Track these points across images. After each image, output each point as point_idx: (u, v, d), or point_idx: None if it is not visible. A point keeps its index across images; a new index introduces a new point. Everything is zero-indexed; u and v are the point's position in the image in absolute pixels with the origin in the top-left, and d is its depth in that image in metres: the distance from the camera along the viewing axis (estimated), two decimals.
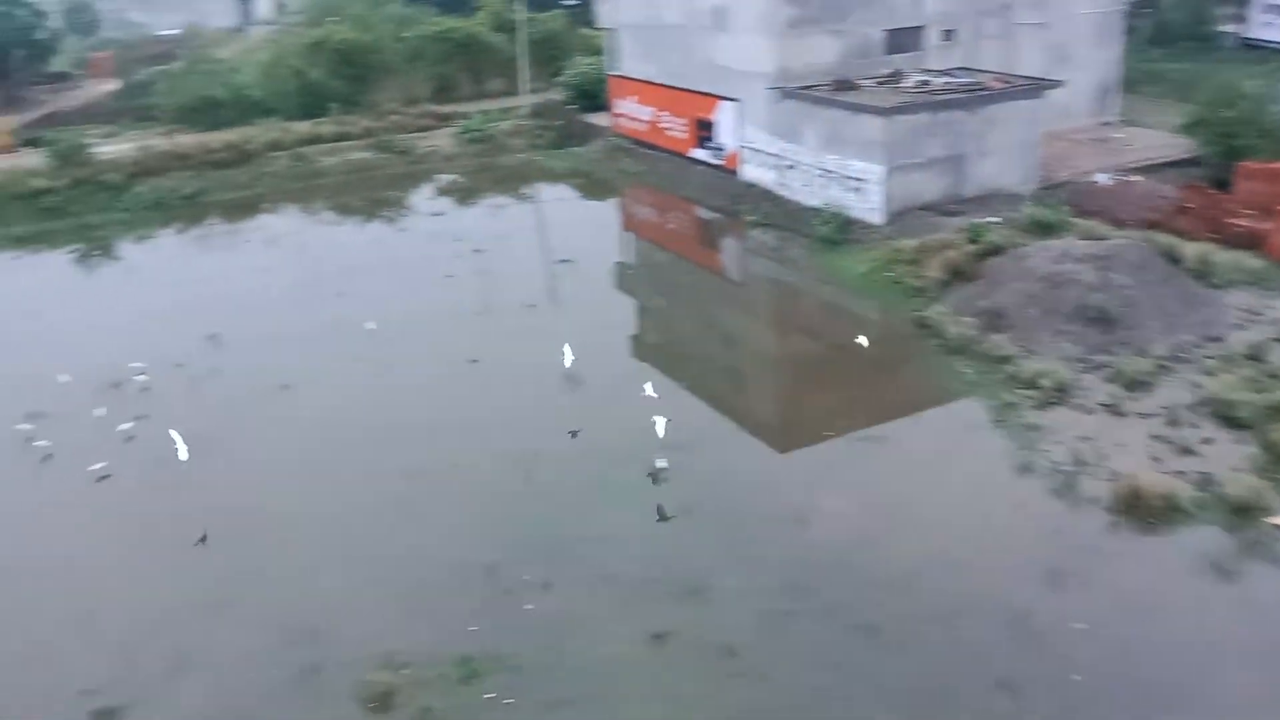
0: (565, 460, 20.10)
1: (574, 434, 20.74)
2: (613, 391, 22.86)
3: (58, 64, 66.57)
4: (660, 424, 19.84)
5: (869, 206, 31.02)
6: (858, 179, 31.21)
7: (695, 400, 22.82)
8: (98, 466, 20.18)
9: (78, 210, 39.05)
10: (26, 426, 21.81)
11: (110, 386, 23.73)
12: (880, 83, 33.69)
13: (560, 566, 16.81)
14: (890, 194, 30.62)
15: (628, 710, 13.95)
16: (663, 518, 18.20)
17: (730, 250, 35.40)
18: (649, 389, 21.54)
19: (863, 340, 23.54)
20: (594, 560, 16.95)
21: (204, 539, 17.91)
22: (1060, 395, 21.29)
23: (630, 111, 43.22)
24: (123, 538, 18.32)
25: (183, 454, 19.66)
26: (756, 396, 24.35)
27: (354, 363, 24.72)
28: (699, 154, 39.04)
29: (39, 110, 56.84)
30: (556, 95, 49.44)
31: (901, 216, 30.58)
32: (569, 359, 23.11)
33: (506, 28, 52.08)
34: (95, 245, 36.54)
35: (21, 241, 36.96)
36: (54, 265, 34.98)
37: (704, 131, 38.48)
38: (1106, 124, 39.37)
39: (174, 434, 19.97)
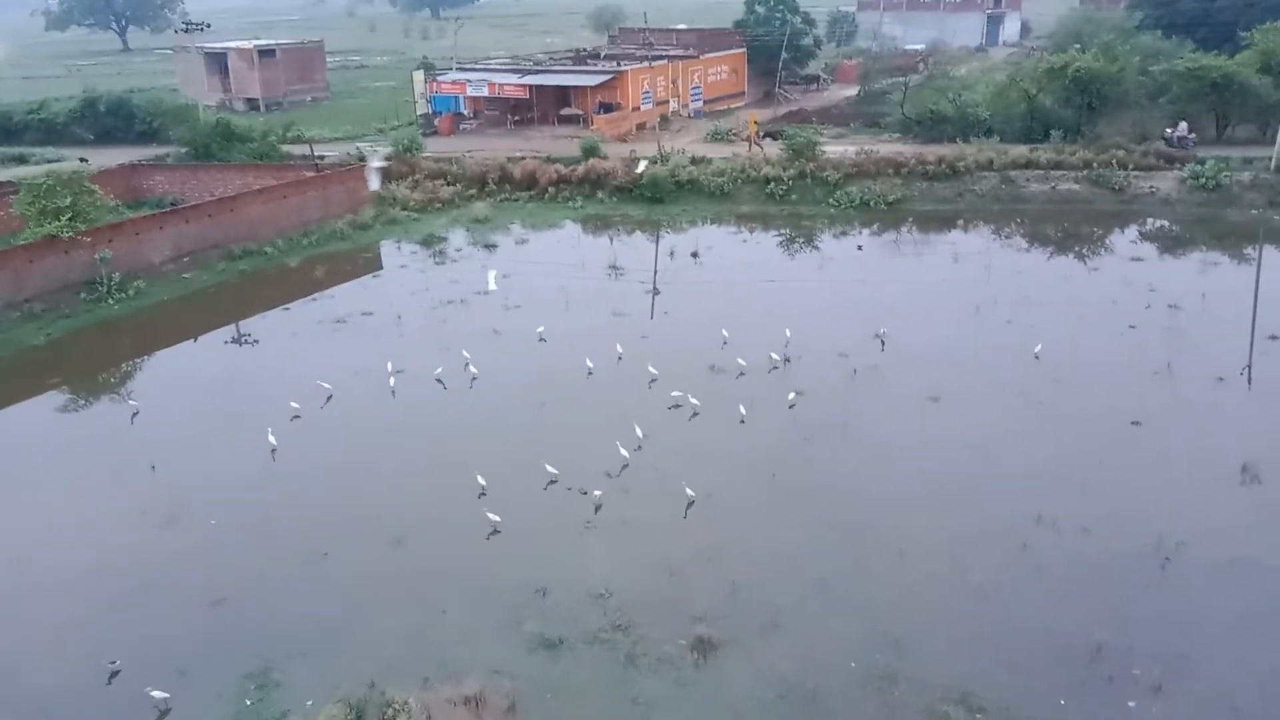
0: (1215, 564, 17.49)
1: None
2: None
3: (813, 68, 74.44)
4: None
5: None
6: None
7: None
8: (742, 412, 22.49)
9: (794, 199, 43.36)
10: (675, 391, 25.12)
11: (776, 361, 26.04)
12: None
13: (1178, 673, 14.75)
14: None
15: None
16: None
17: None
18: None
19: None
20: (1222, 684, 14.57)
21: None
22: None
23: None
24: (750, 481, 20.20)
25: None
26: None
27: (1007, 394, 24.14)
28: None
29: (786, 107, 64.13)
30: None
31: None
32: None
33: (1277, 71, 46.06)
34: (799, 233, 40.24)
35: (743, 219, 42.11)
36: (762, 243, 39.27)
37: None
38: None
39: None
